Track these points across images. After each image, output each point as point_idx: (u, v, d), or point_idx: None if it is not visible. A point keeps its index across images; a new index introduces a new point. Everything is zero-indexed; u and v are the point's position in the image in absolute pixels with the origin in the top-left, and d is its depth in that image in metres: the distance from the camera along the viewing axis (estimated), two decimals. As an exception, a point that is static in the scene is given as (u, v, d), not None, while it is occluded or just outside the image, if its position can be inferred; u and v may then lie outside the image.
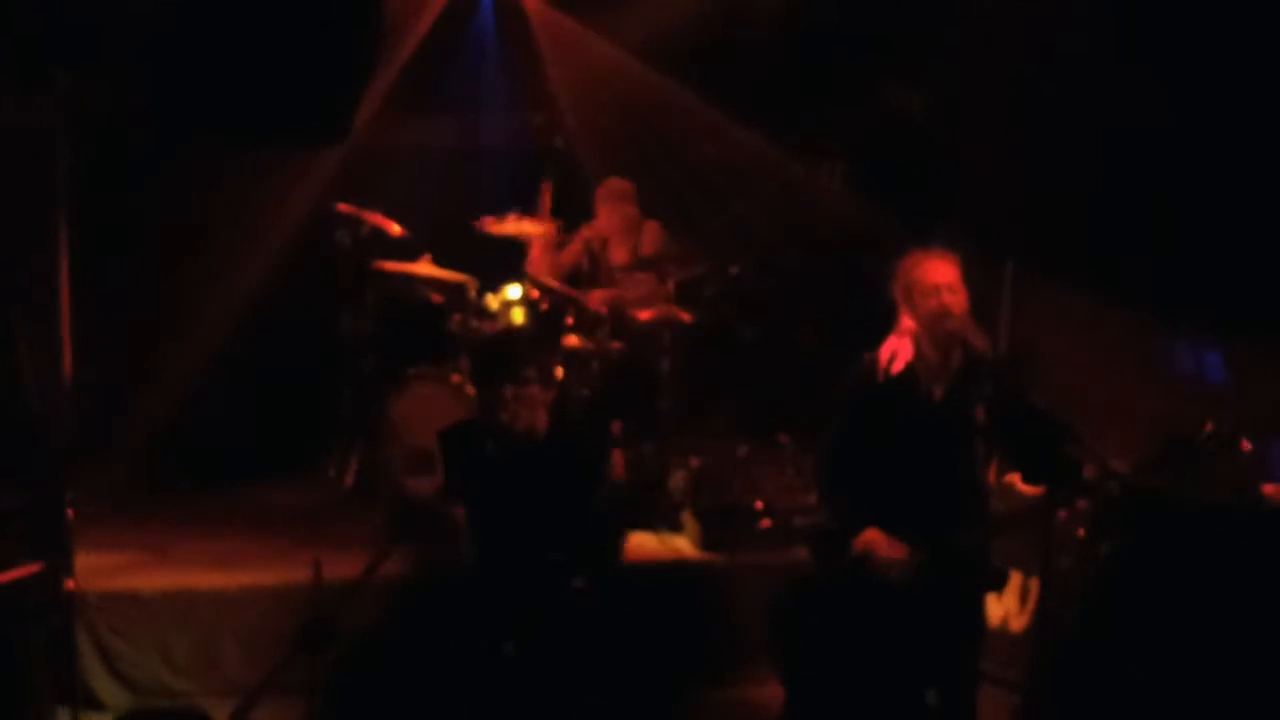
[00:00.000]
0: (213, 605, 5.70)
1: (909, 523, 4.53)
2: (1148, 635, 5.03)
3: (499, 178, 8.21)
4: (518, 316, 6.89)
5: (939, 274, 4.59)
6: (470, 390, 6.60)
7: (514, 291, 6.96)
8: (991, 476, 5.05)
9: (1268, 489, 5.23)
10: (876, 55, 7.75)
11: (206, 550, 6.18)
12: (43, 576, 4.21)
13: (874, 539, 4.56)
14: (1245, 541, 5.03)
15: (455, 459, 4.58)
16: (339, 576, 4.23)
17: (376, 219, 7.16)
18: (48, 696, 4.63)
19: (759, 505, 6.42)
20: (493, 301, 6.98)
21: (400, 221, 7.20)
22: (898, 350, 4.70)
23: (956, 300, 4.57)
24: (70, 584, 4.58)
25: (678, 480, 6.73)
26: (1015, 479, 5.57)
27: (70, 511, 4.76)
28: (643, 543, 6.50)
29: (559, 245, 7.51)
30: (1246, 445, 4.33)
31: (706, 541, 6.40)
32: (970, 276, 4.65)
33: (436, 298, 7.29)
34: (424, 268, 7.16)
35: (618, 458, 4.88)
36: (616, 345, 7.00)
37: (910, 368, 4.66)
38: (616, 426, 6.52)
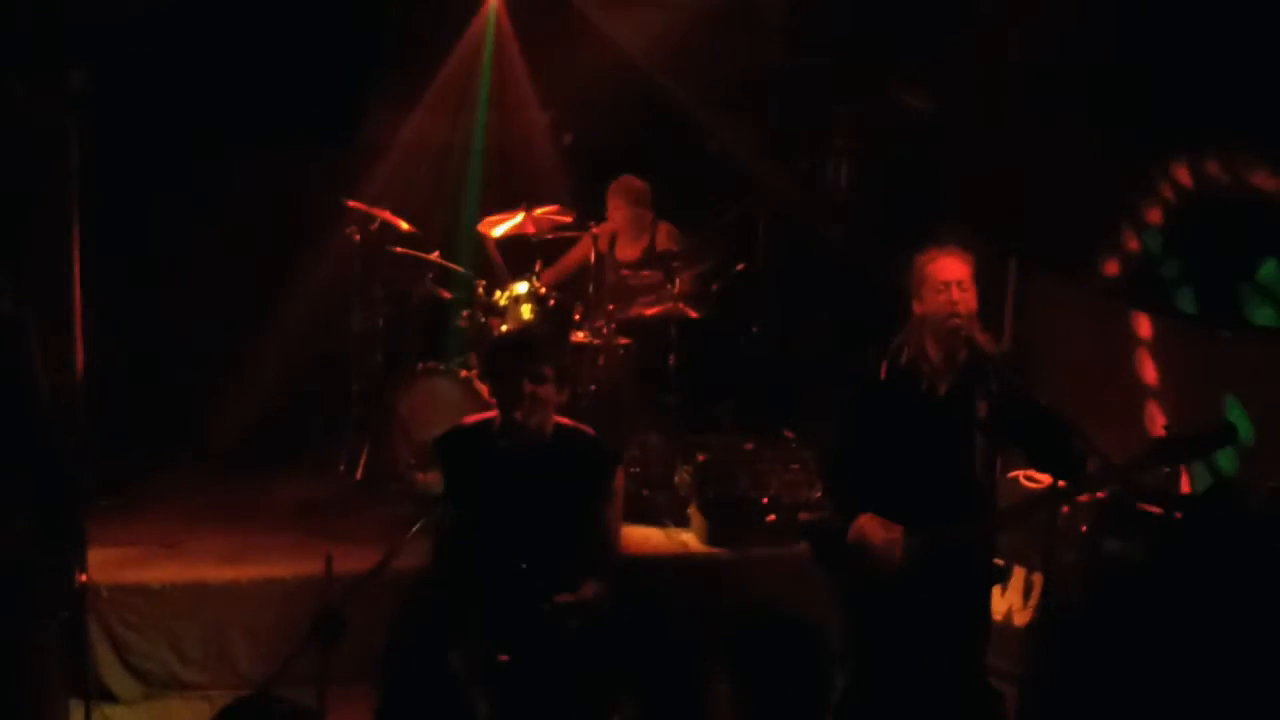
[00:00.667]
0: (223, 598, 5.74)
1: (911, 517, 4.55)
2: (1151, 630, 5.04)
3: (507, 176, 8.24)
4: (526, 312, 6.92)
5: (951, 271, 4.60)
6: (479, 386, 6.65)
7: (522, 287, 7.00)
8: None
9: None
10: (883, 53, 7.76)
11: (217, 544, 6.21)
12: (55, 570, 4.25)
13: (866, 523, 4.59)
14: (1245, 540, 5.06)
15: (453, 465, 4.61)
16: (350, 570, 4.26)
17: (385, 215, 7.20)
18: (61, 688, 4.66)
19: (765, 500, 6.45)
20: (501, 297, 7.02)
21: (408, 219, 7.24)
22: (904, 346, 4.73)
23: (965, 298, 4.59)
24: (83, 577, 4.61)
25: (684, 475, 6.76)
26: (1018, 476, 5.61)
27: (83, 506, 4.80)
28: (649, 537, 6.55)
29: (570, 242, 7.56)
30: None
31: (712, 536, 6.42)
32: (977, 274, 4.68)
33: (445, 294, 7.35)
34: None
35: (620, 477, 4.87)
36: (623, 341, 7.05)
37: (915, 363, 4.68)
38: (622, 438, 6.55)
